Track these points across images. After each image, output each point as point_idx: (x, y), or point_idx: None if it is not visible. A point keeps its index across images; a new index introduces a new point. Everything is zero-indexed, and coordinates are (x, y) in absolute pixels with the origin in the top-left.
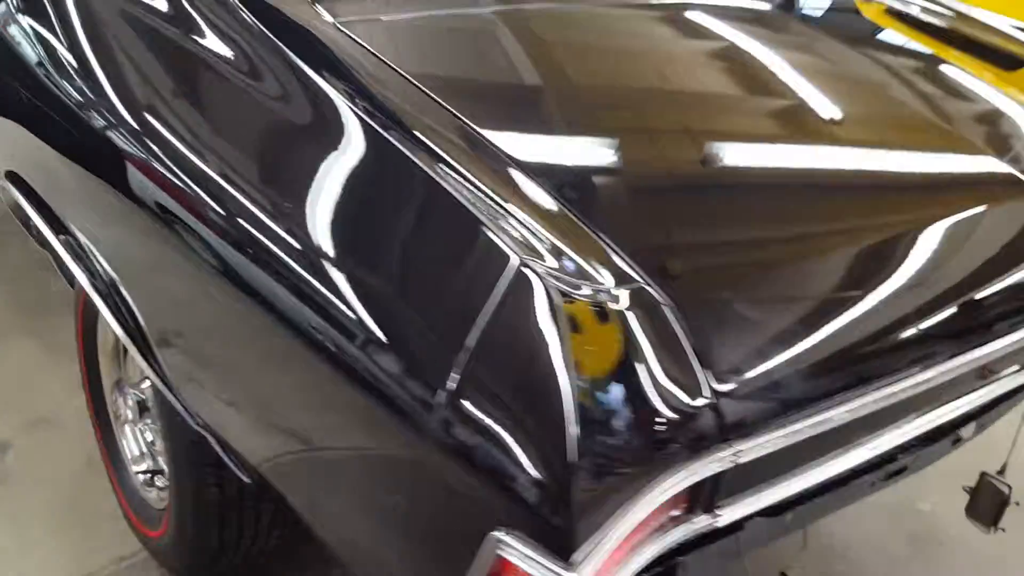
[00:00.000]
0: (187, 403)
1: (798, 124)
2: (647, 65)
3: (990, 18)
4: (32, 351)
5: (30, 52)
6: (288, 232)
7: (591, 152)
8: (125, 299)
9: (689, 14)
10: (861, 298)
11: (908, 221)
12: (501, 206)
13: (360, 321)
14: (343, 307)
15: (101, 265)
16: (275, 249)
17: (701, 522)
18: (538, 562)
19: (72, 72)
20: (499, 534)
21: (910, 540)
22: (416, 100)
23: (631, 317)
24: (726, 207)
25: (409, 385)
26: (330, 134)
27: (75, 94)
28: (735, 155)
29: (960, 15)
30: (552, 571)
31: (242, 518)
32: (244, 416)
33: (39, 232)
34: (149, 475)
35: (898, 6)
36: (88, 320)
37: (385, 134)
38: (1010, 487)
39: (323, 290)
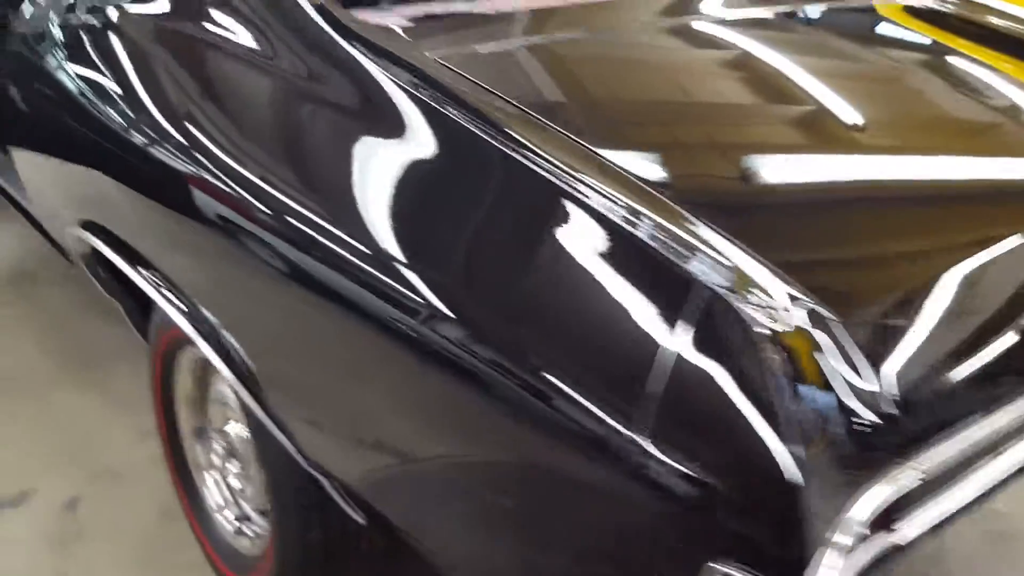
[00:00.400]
0: (299, 444)
1: (932, 134)
2: (755, 81)
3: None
4: (88, 403)
5: (97, 99)
6: (434, 269)
7: (723, 172)
8: (229, 341)
9: (773, 28)
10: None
11: None
12: (679, 237)
13: (543, 358)
14: (519, 341)
15: (201, 309)
16: (420, 286)
17: (878, 542)
18: None
19: (159, 115)
20: (717, 565)
21: (989, 539)
22: (548, 135)
23: (819, 337)
24: (872, 220)
25: (605, 422)
26: (468, 167)
27: (167, 139)
28: (870, 168)
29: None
30: None
31: (349, 558)
32: (373, 457)
33: (110, 281)
34: (237, 522)
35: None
36: (166, 366)
37: (535, 167)
38: None
39: (494, 329)
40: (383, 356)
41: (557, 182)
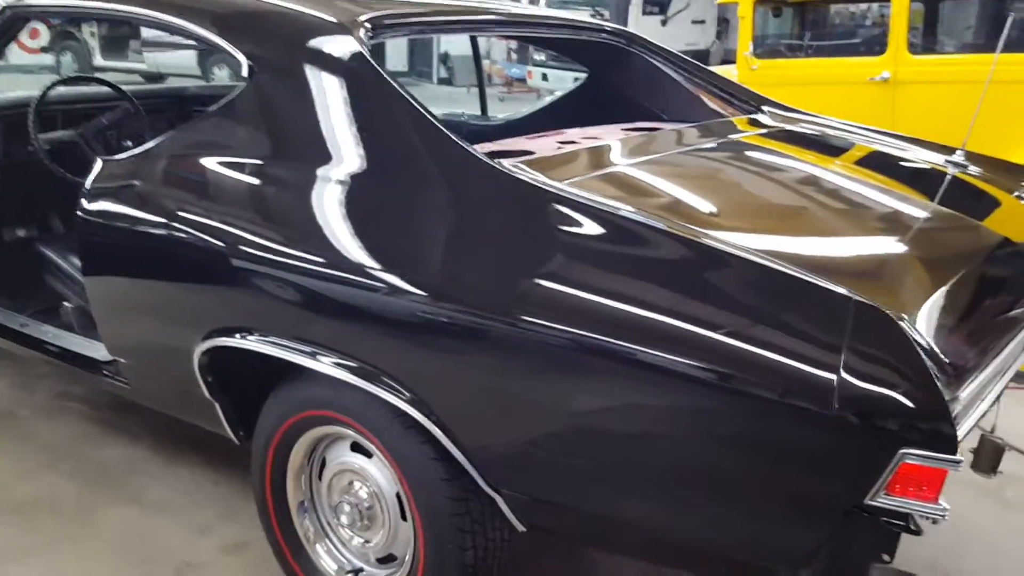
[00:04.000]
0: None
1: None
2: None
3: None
4: (130, 515)
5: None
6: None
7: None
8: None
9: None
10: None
11: None
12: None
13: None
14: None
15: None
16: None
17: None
18: (937, 459)
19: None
20: (906, 450)
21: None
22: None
23: (908, 322)
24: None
25: (811, 383)
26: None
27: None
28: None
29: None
30: (947, 460)
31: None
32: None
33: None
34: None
35: None
36: (280, 451)
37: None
38: (1003, 439)
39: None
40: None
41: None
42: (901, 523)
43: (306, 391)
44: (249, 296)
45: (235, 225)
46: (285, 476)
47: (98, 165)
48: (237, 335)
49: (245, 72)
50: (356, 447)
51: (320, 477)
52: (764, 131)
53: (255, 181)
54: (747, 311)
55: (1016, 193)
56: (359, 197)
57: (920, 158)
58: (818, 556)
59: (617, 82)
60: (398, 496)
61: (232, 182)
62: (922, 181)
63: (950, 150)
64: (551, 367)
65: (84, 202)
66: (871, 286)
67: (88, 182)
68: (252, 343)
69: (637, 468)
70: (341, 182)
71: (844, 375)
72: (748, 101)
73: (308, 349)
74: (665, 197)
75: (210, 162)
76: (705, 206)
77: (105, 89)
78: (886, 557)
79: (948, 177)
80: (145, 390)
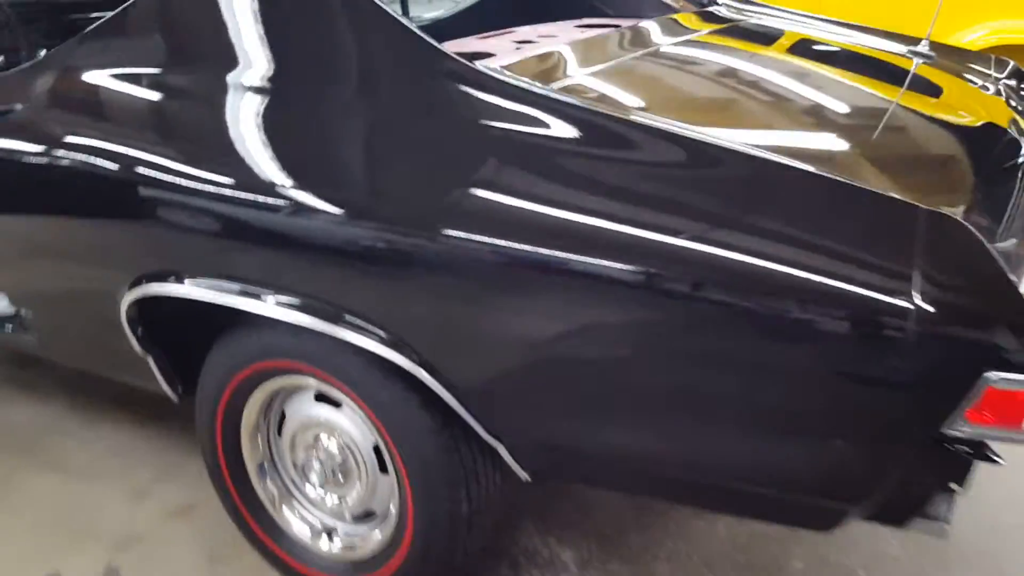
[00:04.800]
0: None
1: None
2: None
3: None
4: (57, 482)
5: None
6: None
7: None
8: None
9: None
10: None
11: None
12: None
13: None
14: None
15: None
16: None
17: None
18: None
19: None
20: (992, 372)
21: None
22: None
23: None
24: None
25: (886, 310)
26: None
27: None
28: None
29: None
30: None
31: (485, 525)
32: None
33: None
34: (333, 537)
35: None
36: (232, 407)
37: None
38: None
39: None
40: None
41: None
42: (977, 452)
43: (258, 340)
44: (176, 234)
45: (149, 150)
46: (239, 436)
47: None
48: (169, 280)
49: None
50: (321, 396)
51: (280, 433)
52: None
53: (160, 95)
54: (801, 227)
55: (983, 83)
56: (287, 106)
57: (888, 49)
58: (883, 490)
59: None
60: (376, 449)
61: (136, 98)
62: (897, 74)
63: (914, 40)
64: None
65: None
66: (911, 191)
67: None
68: (187, 289)
69: (691, 403)
70: (273, 90)
71: (919, 295)
72: None
73: (255, 291)
74: (679, 97)
75: (105, 75)
76: (708, 106)
77: None
78: (955, 486)
79: (915, 68)
80: (57, 345)
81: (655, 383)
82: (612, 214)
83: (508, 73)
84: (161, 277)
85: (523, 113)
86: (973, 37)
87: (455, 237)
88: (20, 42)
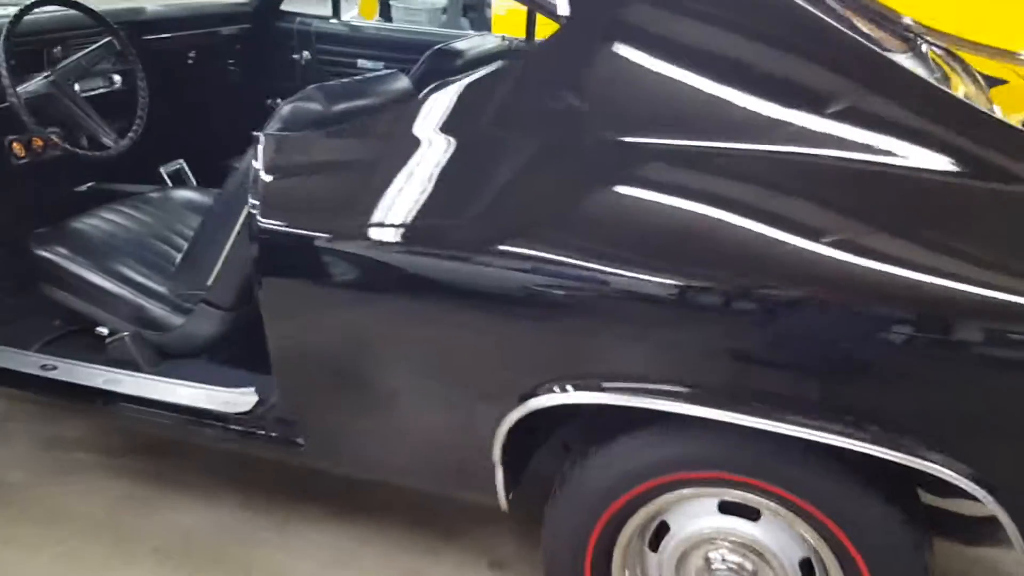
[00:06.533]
0: None
1: None
2: None
3: None
4: None
5: None
6: None
7: None
8: None
9: None
10: None
11: None
12: None
13: None
14: None
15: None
16: None
17: None
18: None
19: None
20: None
21: None
22: None
23: None
24: None
25: None
26: None
27: None
28: None
29: None
30: None
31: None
32: None
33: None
34: None
35: None
36: (613, 525)
37: None
38: None
39: None
40: None
41: None
42: None
43: (682, 446)
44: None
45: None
46: (611, 556)
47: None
48: (578, 388)
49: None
50: (726, 505)
51: (654, 548)
52: None
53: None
54: None
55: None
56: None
57: None
58: None
59: None
60: (805, 563)
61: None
62: None
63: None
64: None
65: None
66: None
67: (261, 169)
68: (609, 397)
69: None
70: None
71: None
72: None
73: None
74: None
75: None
76: None
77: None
78: None
79: None
80: (343, 452)
81: None
82: None
83: None
84: (564, 384)
85: None
86: None
87: None
88: (135, 71)
